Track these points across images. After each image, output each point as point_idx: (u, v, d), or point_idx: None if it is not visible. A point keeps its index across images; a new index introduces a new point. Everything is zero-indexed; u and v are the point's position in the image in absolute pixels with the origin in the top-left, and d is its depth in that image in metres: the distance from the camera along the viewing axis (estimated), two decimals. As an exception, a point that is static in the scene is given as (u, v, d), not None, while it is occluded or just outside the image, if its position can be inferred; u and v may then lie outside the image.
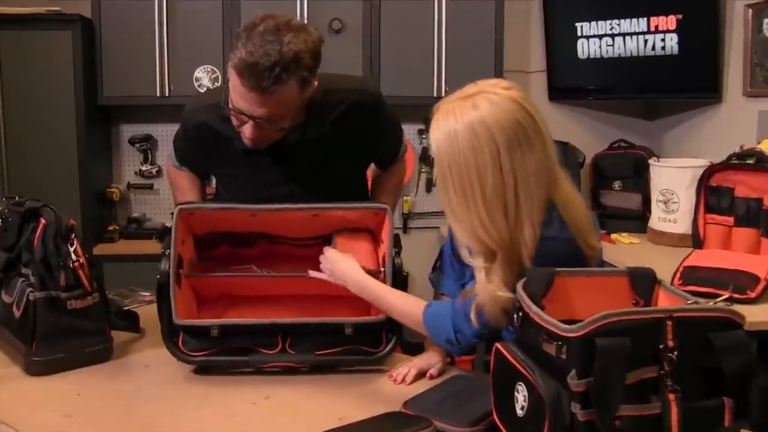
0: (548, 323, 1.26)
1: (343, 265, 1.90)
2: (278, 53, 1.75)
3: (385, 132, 2.21)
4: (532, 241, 1.52)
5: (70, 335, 1.92)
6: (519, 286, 1.41)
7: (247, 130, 1.89)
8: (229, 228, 2.05)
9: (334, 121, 2.04)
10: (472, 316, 1.59)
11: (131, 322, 2.17)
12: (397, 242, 1.95)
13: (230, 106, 1.88)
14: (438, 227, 4.60)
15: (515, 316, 1.39)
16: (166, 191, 4.51)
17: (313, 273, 1.94)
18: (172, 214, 4.36)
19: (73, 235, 1.93)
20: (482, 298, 1.55)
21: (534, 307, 1.32)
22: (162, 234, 4.12)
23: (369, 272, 1.89)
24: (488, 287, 1.55)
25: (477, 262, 1.58)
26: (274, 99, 1.80)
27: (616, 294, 1.47)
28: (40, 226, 1.93)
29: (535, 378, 1.27)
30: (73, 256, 1.92)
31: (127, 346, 2.08)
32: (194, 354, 1.89)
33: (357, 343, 1.91)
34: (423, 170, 4.59)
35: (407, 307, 1.79)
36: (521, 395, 1.32)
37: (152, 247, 4.09)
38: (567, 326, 1.22)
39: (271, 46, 1.75)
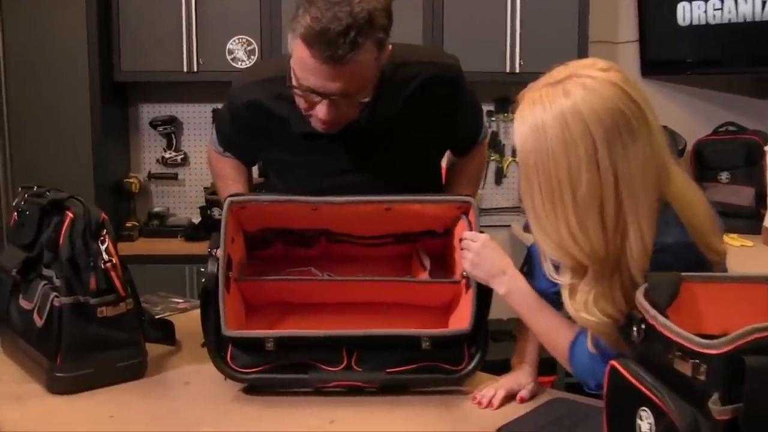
0: (682, 337, 1.24)
1: (498, 257, 1.85)
2: (350, 15, 1.76)
3: (466, 112, 2.21)
4: (642, 251, 1.50)
5: (100, 347, 1.94)
6: (639, 294, 1.40)
7: (321, 111, 1.90)
8: (286, 224, 2.06)
9: (408, 98, 2.05)
10: (588, 345, 1.59)
11: (166, 333, 2.19)
12: (482, 243, 1.94)
13: (295, 84, 1.89)
14: (509, 225, 4.59)
15: (634, 329, 1.38)
16: (192, 182, 4.56)
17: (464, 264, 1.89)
18: (204, 208, 4.41)
19: (105, 231, 1.95)
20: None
21: (661, 318, 1.31)
22: (188, 232, 4.20)
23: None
24: (569, 307, 1.55)
25: (563, 279, 1.57)
26: (350, 69, 1.81)
27: (754, 305, 1.44)
28: (67, 220, 1.95)
29: (665, 402, 1.25)
30: (105, 256, 1.94)
31: (163, 360, 2.11)
32: (245, 371, 1.90)
33: (435, 359, 1.91)
34: (492, 158, 4.58)
35: (555, 333, 1.74)
36: (646, 422, 1.30)
37: (177, 246, 4.14)
38: (707, 341, 1.20)
39: (340, 8, 1.76)
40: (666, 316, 1.34)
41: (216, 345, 1.91)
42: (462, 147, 2.34)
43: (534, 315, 1.78)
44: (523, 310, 1.80)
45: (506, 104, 4.41)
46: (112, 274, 1.94)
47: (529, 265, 1.96)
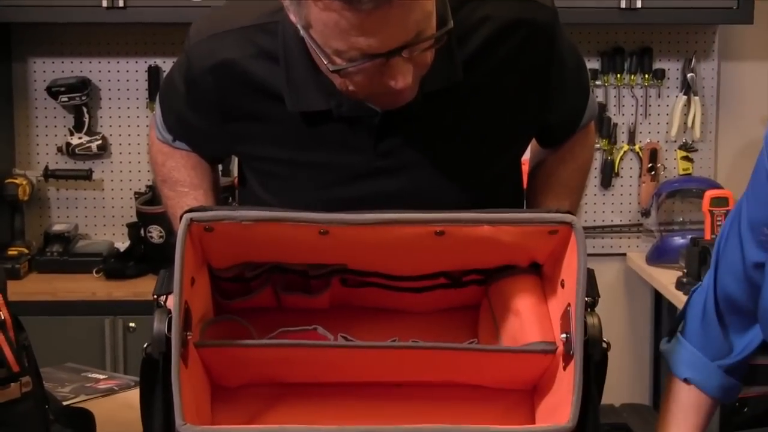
0: None
1: None
2: None
3: (563, 79, 2.24)
4: None
5: (-20, 455, 1.97)
6: None
7: (399, 79, 1.92)
8: (278, 257, 2.07)
9: (472, 59, 2.08)
10: None
11: (83, 430, 2.22)
12: (591, 286, 1.93)
13: (340, 64, 1.90)
14: (624, 254, 4.59)
15: None
16: (116, 184, 4.60)
17: None
18: (135, 227, 4.42)
19: (-12, 271, 1.99)
20: None
21: None
22: (110, 264, 4.20)
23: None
24: None
25: None
26: None
27: None
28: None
29: None
30: (-12, 310, 1.97)
31: (79, 473, 2.14)
32: (212, 492, 1.92)
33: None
34: (597, 146, 4.56)
35: None
36: None
37: (91, 287, 4.18)
38: None
39: None
40: None
41: (165, 449, 1.93)
42: (556, 135, 2.37)
43: None
44: None
45: (619, 59, 4.40)
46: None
47: (686, 322, 1.98)
